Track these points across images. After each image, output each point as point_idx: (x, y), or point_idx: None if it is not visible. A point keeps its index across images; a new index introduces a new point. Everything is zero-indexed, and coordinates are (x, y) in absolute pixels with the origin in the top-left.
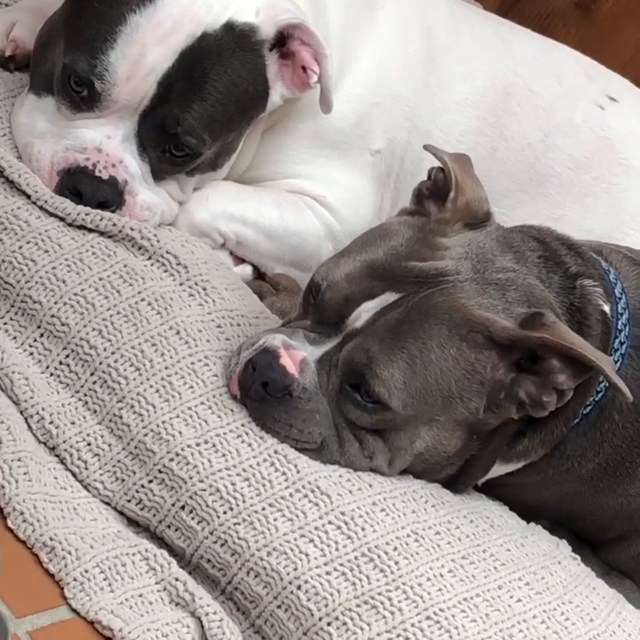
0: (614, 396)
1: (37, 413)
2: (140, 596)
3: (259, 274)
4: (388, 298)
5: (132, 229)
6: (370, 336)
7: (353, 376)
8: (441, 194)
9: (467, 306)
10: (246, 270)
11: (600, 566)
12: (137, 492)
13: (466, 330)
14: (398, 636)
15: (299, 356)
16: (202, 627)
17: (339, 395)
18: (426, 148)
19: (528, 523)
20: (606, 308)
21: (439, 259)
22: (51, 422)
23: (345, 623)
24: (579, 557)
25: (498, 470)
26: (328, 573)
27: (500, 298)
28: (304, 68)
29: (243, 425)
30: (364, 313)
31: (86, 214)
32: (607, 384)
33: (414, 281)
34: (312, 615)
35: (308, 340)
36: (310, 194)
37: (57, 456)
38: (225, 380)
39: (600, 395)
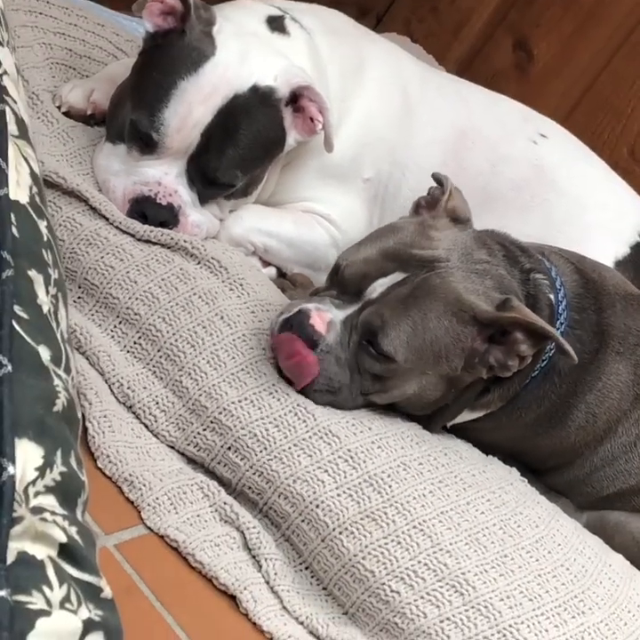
0: (556, 363)
1: (118, 381)
2: (198, 516)
3: (281, 273)
4: (398, 277)
5: (185, 242)
6: (383, 305)
7: (369, 334)
8: (435, 206)
9: (458, 289)
10: (271, 271)
11: (541, 487)
12: (194, 438)
13: (457, 308)
14: (392, 540)
15: (327, 317)
16: (244, 538)
17: (357, 348)
18: (433, 175)
19: (487, 456)
20: (552, 296)
21: (434, 248)
22: (128, 387)
23: (352, 532)
24: (526, 480)
25: (464, 417)
26: (339, 495)
27: (480, 284)
28: (311, 119)
29: (273, 385)
30: (378, 287)
31: (151, 231)
32: (551, 354)
33: (417, 264)
34: (328, 526)
35: (334, 305)
36: (318, 212)
37: (133, 413)
38: (260, 352)
39: (545, 362)
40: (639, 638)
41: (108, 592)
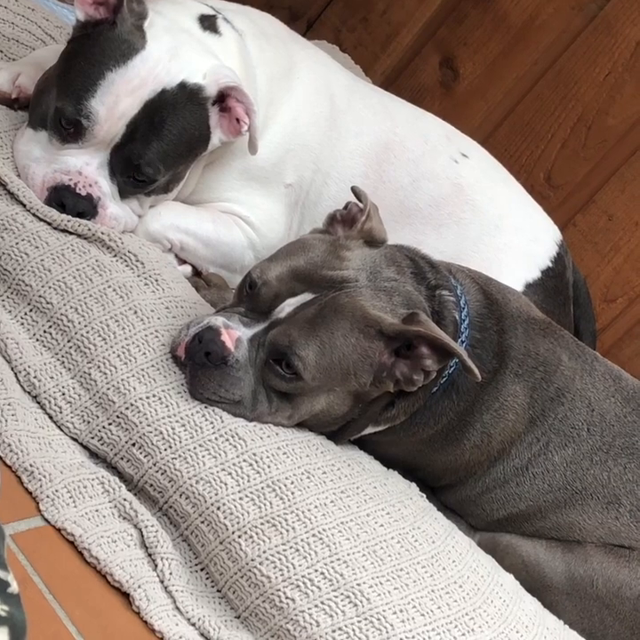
0: (455, 381)
1: (25, 369)
2: (97, 511)
3: (196, 272)
4: (306, 297)
5: (102, 233)
6: (291, 324)
7: (277, 353)
8: (350, 221)
9: (365, 306)
10: (187, 269)
11: (438, 504)
12: (99, 431)
13: (363, 325)
14: (291, 547)
15: (235, 334)
16: (142, 535)
17: (264, 366)
18: (352, 189)
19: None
20: (456, 314)
21: (344, 268)
22: (34, 376)
23: (251, 537)
24: (425, 495)
25: (368, 430)
26: (241, 499)
27: (388, 301)
28: (237, 120)
29: (182, 384)
30: (287, 306)
31: (68, 221)
32: (450, 372)
33: (326, 285)
34: (227, 529)
35: (242, 322)
36: (238, 214)
37: (38, 403)
38: (171, 349)
39: (445, 379)
40: None
41: (14, 587)
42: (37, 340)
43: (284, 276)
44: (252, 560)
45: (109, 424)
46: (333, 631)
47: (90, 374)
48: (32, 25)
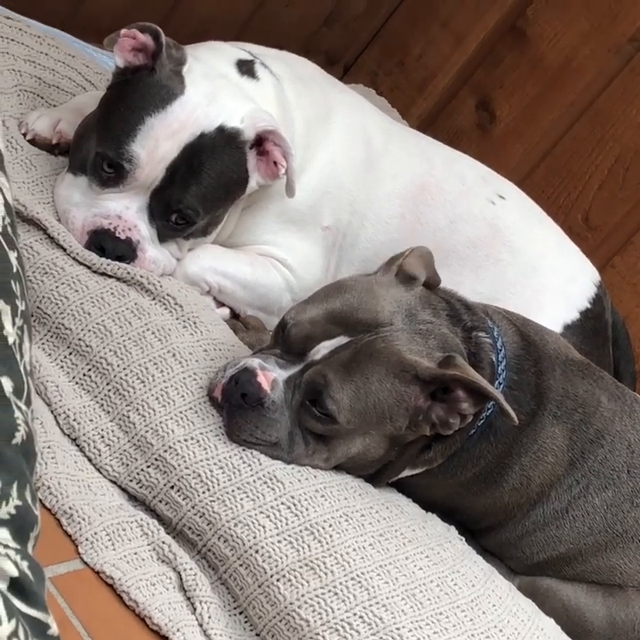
0: (492, 423)
1: (64, 412)
2: (135, 554)
3: (234, 315)
4: (342, 340)
5: (141, 277)
6: (327, 366)
7: (312, 394)
8: None
9: (401, 351)
10: (225, 311)
11: (477, 547)
12: (137, 474)
13: (399, 369)
14: (329, 591)
15: (271, 376)
16: (180, 578)
17: (299, 408)
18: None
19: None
20: (493, 356)
21: (379, 311)
22: (74, 419)
23: (290, 580)
24: (464, 538)
25: (405, 473)
26: (279, 542)
27: (423, 344)
28: (275, 163)
29: (220, 426)
30: (322, 349)
31: (108, 264)
32: (488, 414)
33: (361, 328)
34: (265, 572)
35: (278, 364)
36: (275, 256)
37: (77, 445)
38: (208, 391)
39: (482, 422)
40: None
41: (54, 629)
42: (77, 382)
43: (318, 318)
44: (291, 604)
45: (148, 467)
46: None
47: (128, 417)
48: (72, 71)
